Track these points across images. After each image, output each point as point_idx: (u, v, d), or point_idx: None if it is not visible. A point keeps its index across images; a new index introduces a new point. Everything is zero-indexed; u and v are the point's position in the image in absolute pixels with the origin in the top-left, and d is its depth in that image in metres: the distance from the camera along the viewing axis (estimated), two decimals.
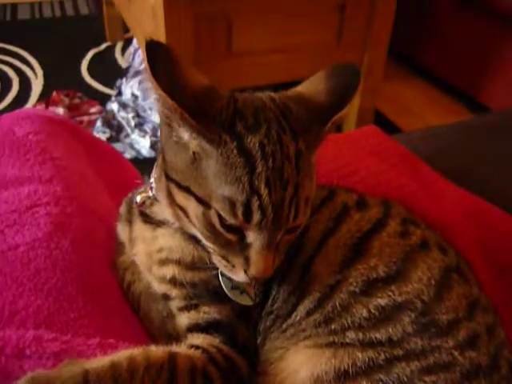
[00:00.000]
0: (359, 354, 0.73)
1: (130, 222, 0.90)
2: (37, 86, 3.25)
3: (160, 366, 0.67)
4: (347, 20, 2.38)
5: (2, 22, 4.09)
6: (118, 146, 2.67)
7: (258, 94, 0.78)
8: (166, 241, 0.83)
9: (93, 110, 3.03)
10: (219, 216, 0.69)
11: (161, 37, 2.13)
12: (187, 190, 0.71)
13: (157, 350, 0.70)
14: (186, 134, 0.70)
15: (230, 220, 0.68)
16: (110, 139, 2.73)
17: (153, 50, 0.67)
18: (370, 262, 0.80)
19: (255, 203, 0.66)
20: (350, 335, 0.75)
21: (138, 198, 0.88)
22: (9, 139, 1.07)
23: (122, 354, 0.66)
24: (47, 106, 2.99)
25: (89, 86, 3.27)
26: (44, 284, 0.76)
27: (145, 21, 2.46)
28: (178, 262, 0.81)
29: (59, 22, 4.18)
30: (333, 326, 0.77)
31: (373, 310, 0.76)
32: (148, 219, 0.86)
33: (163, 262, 0.82)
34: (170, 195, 0.76)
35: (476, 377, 0.71)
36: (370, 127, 1.36)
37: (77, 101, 3.09)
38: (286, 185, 0.69)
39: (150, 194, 0.86)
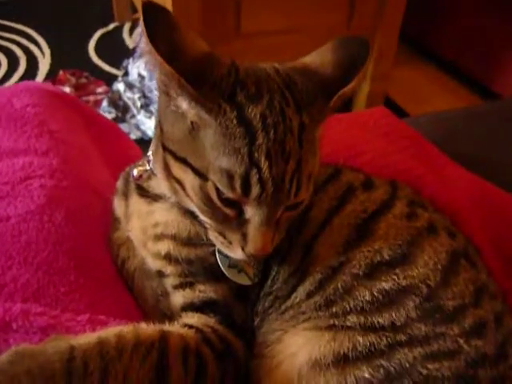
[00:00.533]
0: (360, 338, 0.70)
1: (126, 196, 0.87)
2: (44, 65, 3.22)
3: (150, 345, 0.64)
4: (358, 3, 2.33)
5: (10, 0, 4.05)
6: (123, 127, 2.64)
7: (261, 64, 0.75)
8: (162, 215, 0.80)
9: (99, 90, 3.00)
10: (216, 189, 0.66)
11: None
12: (184, 161, 0.68)
13: (148, 328, 0.67)
14: (184, 103, 0.66)
15: (228, 193, 0.65)
16: (116, 120, 2.69)
17: (150, 12, 0.63)
18: (374, 245, 0.77)
19: (254, 176, 0.63)
20: (352, 319, 0.72)
21: (135, 172, 0.85)
22: (6, 111, 1.05)
23: (111, 331, 0.63)
24: (54, 85, 2.97)
25: (96, 66, 3.23)
26: (34, 257, 0.73)
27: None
28: (174, 238, 0.78)
29: (68, 2, 4.13)
30: (334, 309, 0.73)
31: (376, 294, 0.72)
32: (144, 193, 0.83)
33: (158, 238, 0.80)
34: (166, 167, 0.73)
35: (482, 366, 0.68)
36: (379, 108, 1.32)
37: (83, 80, 3.06)
38: (287, 158, 0.66)
39: (148, 167, 0.83)
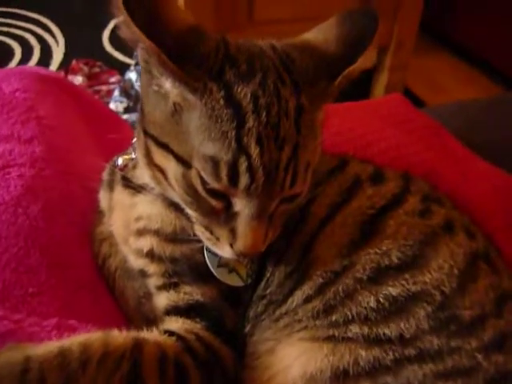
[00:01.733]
0: (362, 352, 0.62)
1: (111, 187, 0.80)
2: (57, 54, 3.20)
3: (120, 356, 0.57)
4: None
5: None
6: (135, 116, 2.58)
7: (256, 40, 0.66)
8: (145, 208, 0.73)
9: (112, 79, 2.95)
10: (201, 178, 0.58)
11: (179, 3, 2.03)
12: (165, 146, 0.61)
13: (119, 336, 0.60)
14: (166, 82, 0.60)
15: (213, 183, 0.58)
16: (128, 109, 2.64)
17: None
18: (382, 245, 0.69)
19: (243, 164, 0.56)
20: (354, 329, 0.65)
21: (120, 161, 0.78)
22: None
23: (76, 339, 0.56)
24: (66, 75, 2.93)
25: (109, 56, 3.20)
26: (2, 253, 0.67)
27: None
28: (157, 233, 0.71)
29: None
30: (334, 317, 0.66)
31: (382, 300, 0.65)
32: (129, 184, 0.76)
33: (140, 233, 0.72)
34: (148, 154, 0.66)
35: None
36: (395, 95, 1.23)
37: (96, 70, 3.02)
38: (282, 144, 0.58)
39: (133, 155, 0.75)
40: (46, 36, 3.40)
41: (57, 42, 3.34)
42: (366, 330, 0.64)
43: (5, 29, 3.37)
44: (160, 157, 0.63)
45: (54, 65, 3.15)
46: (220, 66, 0.59)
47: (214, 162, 0.56)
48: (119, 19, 0.57)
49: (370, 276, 0.67)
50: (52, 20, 3.55)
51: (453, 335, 0.62)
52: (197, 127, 0.58)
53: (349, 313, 0.65)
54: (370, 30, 0.65)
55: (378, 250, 0.69)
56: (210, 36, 0.61)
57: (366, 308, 0.65)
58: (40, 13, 3.62)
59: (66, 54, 3.22)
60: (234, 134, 0.56)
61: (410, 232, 0.70)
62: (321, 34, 0.67)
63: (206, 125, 0.57)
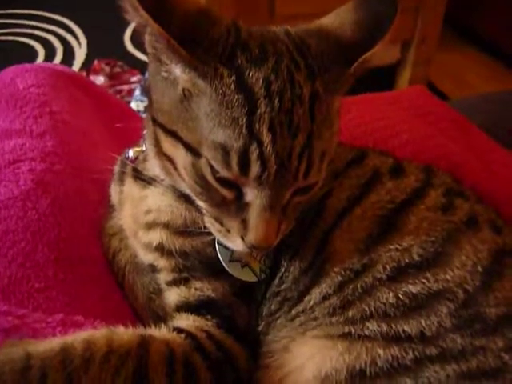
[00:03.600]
0: (380, 351, 0.59)
1: (122, 181, 0.78)
2: (80, 54, 3.23)
3: (126, 353, 0.54)
4: None
5: None
6: None
7: (270, 26, 0.64)
8: (155, 201, 0.71)
9: (133, 78, 2.96)
10: (211, 167, 0.56)
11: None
12: (174, 134, 0.59)
13: (125, 333, 0.57)
14: (176, 69, 0.57)
15: (223, 172, 0.55)
16: None
17: None
18: (402, 241, 0.66)
19: (254, 152, 0.53)
20: (371, 326, 0.61)
21: (131, 153, 0.76)
22: (8, 91, 0.98)
23: (79, 336, 0.54)
24: (88, 75, 2.95)
25: (131, 55, 3.21)
26: (10, 248, 0.65)
27: None
28: (167, 226, 0.69)
29: None
30: (350, 313, 0.63)
31: (402, 297, 0.62)
32: (139, 176, 0.74)
33: (150, 226, 0.70)
34: (157, 143, 0.64)
35: None
36: (417, 87, 1.18)
37: (117, 69, 3.03)
38: (295, 131, 0.55)
39: (144, 147, 0.73)
40: (69, 37, 3.44)
41: (79, 43, 3.37)
42: (384, 326, 0.61)
43: (29, 31, 3.41)
44: (169, 145, 0.61)
45: (77, 65, 3.18)
46: (231, 51, 0.57)
47: (224, 150, 0.54)
48: (126, 3, 0.55)
49: (390, 275, 0.63)
50: (75, 21, 3.59)
51: (477, 334, 0.59)
52: (206, 114, 0.55)
53: (366, 308, 0.62)
54: (389, 16, 0.62)
55: (398, 246, 0.66)
56: (220, 20, 0.59)
57: (384, 304, 0.62)
58: (63, 15, 3.66)
59: (88, 55, 3.26)
60: (245, 120, 0.53)
61: (432, 228, 0.67)
62: (337, 19, 0.65)
63: (216, 111, 0.54)
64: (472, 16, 3.00)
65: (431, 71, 2.43)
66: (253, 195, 0.56)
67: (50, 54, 3.25)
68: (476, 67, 2.84)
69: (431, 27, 2.29)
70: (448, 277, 0.62)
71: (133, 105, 2.33)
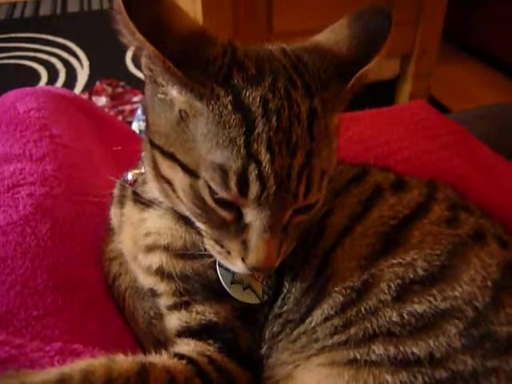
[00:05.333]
0: (388, 377, 0.57)
1: (122, 204, 0.77)
2: (82, 76, 3.25)
3: (125, 382, 0.53)
4: None
5: (53, 16, 4.13)
6: None
7: (265, 44, 0.63)
8: (154, 223, 0.70)
9: (135, 98, 2.97)
10: (209, 188, 0.55)
11: (198, 18, 2.03)
12: (172, 156, 0.58)
13: (125, 361, 0.56)
14: (173, 90, 0.57)
15: (222, 193, 0.54)
16: None
17: None
18: (405, 256, 0.64)
19: (253, 172, 0.53)
20: (378, 349, 0.59)
21: (130, 176, 0.75)
22: (8, 115, 0.98)
23: (78, 365, 0.53)
24: (91, 96, 2.96)
25: (133, 76, 3.23)
26: (8, 275, 0.64)
27: (184, 7, 2.37)
28: (167, 249, 0.68)
29: (107, 14, 4.17)
30: (352, 331, 0.61)
31: (406, 316, 0.60)
32: (138, 199, 0.73)
33: (150, 249, 0.69)
34: (155, 166, 0.63)
35: None
36: (417, 101, 1.18)
37: (120, 90, 3.04)
38: (294, 150, 0.54)
39: (143, 170, 0.72)
40: (72, 59, 3.47)
41: (81, 64, 3.40)
42: (391, 349, 0.58)
43: (31, 54, 3.44)
44: (167, 168, 0.60)
45: (79, 87, 3.21)
46: (227, 71, 0.56)
47: (223, 171, 0.53)
48: (121, 27, 0.55)
49: (394, 296, 0.62)
50: (77, 44, 3.62)
51: (489, 354, 0.57)
52: (204, 134, 0.55)
53: (369, 325, 0.61)
54: (384, 30, 0.62)
55: (401, 261, 0.64)
56: (216, 40, 0.59)
57: (388, 322, 0.60)
58: (66, 37, 3.70)
59: (90, 76, 3.28)
60: (242, 140, 0.53)
61: (437, 241, 0.65)
62: (332, 35, 0.64)
63: (214, 131, 0.54)
64: (471, 29, 3.01)
65: (432, 85, 2.43)
66: (252, 216, 0.55)
67: (52, 76, 3.28)
68: (477, 79, 2.83)
69: (431, 40, 2.28)
70: (456, 293, 0.60)
71: (135, 124, 2.33)
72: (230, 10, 2.03)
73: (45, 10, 4.16)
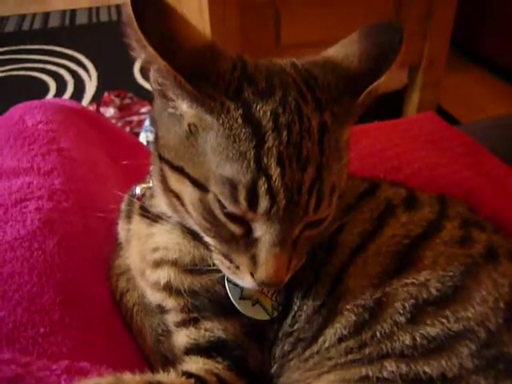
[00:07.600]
0: None
1: (129, 218, 0.76)
2: (90, 87, 3.27)
3: None
4: (404, 9, 2.16)
5: (62, 28, 4.16)
6: None
7: (276, 59, 0.63)
8: (162, 238, 0.69)
9: (143, 109, 2.98)
10: (219, 202, 0.55)
11: (206, 30, 2.03)
12: (181, 170, 0.58)
13: (132, 380, 0.55)
14: (183, 104, 0.57)
15: (231, 207, 0.54)
16: None
17: None
18: (419, 276, 0.64)
19: (262, 186, 0.52)
20: (390, 366, 0.58)
21: (138, 190, 0.75)
22: (17, 129, 0.98)
23: None
24: (98, 107, 2.98)
25: (140, 87, 3.24)
26: (15, 291, 0.63)
27: (192, 19, 2.38)
28: (175, 264, 0.67)
29: (115, 26, 4.20)
30: (367, 351, 0.60)
31: (419, 339, 0.59)
32: (146, 213, 0.72)
33: (157, 264, 0.68)
34: (163, 180, 0.62)
35: None
36: (427, 113, 1.17)
37: (127, 101, 3.05)
38: (305, 165, 0.54)
39: (151, 184, 0.72)
40: (80, 71, 3.49)
41: (90, 76, 3.42)
42: (403, 367, 0.57)
43: (40, 65, 3.47)
44: (175, 182, 0.59)
45: (87, 98, 3.22)
46: (237, 85, 0.56)
47: (232, 185, 0.53)
48: (133, 41, 0.55)
49: (408, 317, 0.61)
50: (86, 55, 3.65)
51: (501, 376, 0.55)
52: (213, 148, 0.54)
53: (383, 347, 0.60)
54: (395, 45, 0.61)
55: (414, 281, 0.63)
56: (226, 54, 0.58)
57: (402, 346, 0.59)
58: (75, 49, 3.73)
59: (98, 87, 3.30)
60: (252, 154, 0.52)
61: (449, 263, 0.65)
62: (343, 49, 0.64)
63: (224, 145, 0.53)
64: (479, 39, 3.00)
65: (440, 95, 2.42)
66: (262, 230, 0.55)
67: (61, 87, 3.30)
68: (485, 90, 2.82)
69: (439, 51, 2.28)
70: (469, 314, 0.59)
71: (142, 135, 2.34)
72: (238, 22, 2.03)
73: (53, 21, 4.19)
